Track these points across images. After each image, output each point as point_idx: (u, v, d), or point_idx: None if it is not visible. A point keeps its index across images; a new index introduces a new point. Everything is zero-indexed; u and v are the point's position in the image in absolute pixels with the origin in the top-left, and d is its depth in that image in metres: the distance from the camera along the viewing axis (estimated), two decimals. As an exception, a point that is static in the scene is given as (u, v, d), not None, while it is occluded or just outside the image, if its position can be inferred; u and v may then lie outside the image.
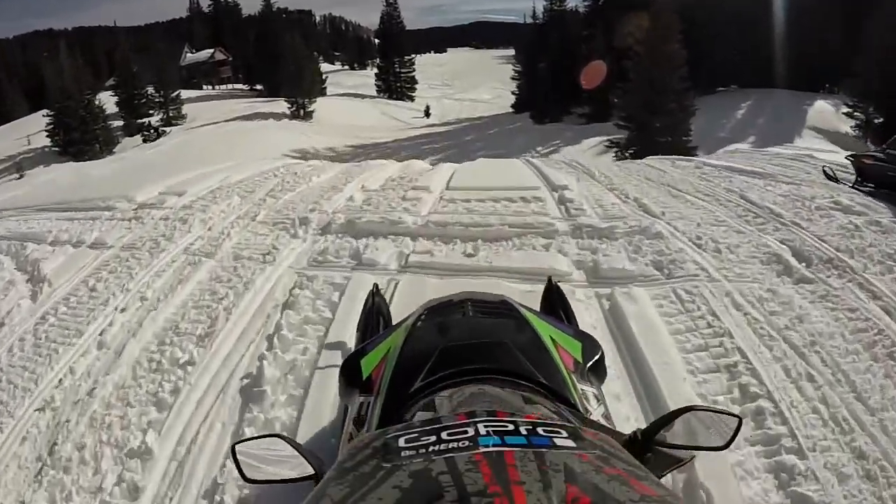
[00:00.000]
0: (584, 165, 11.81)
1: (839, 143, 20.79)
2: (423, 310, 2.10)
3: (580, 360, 1.95)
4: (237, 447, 1.50)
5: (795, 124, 23.12)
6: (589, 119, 28.70)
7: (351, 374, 1.97)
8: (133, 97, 36.65)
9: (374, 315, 3.03)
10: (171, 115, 35.80)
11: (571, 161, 11.90)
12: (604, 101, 28.47)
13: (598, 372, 2.05)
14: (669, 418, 1.43)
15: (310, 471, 1.45)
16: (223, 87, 50.34)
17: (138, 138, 34.07)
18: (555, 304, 2.99)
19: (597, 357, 2.05)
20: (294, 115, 35.12)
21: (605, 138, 23.45)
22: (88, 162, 28.87)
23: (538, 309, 2.73)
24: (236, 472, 1.49)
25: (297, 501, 0.85)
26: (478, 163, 13.93)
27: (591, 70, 27.32)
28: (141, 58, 39.36)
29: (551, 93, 29.99)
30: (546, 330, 1.96)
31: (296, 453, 1.49)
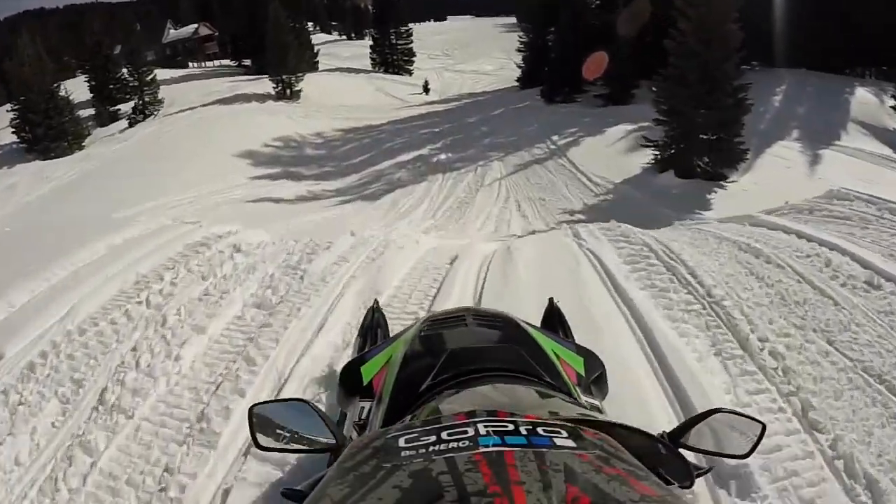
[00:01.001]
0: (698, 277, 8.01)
1: (891, 143, 17.21)
2: (423, 321, 1.99)
3: (583, 373, 1.93)
4: (255, 409, 1.41)
5: (839, 117, 18.84)
6: (607, 100, 24.10)
7: (351, 381, 1.92)
8: (107, 82, 32.48)
9: (374, 330, 2.87)
10: (145, 100, 31.35)
11: (653, 245, 7.41)
12: (625, 81, 23.93)
13: (600, 387, 2.05)
14: (696, 420, 1.37)
15: (330, 441, 1.35)
16: (210, 64, 45.76)
17: (113, 127, 30.04)
18: (555, 324, 2.78)
19: (599, 372, 2.05)
20: (280, 96, 30.58)
21: (631, 127, 19.00)
22: (54, 161, 25.29)
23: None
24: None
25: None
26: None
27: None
28: (126, 37, 35.27)
29: (563, 68, 25.43)
30: (548, 343, 1.89)
31: (318, 422, 1.37)
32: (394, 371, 1.67)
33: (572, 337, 2.66)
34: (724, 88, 14.73)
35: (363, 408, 1.79)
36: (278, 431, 1.38)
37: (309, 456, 1.66)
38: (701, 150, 14.93)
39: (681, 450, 1.26)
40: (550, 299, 2.98)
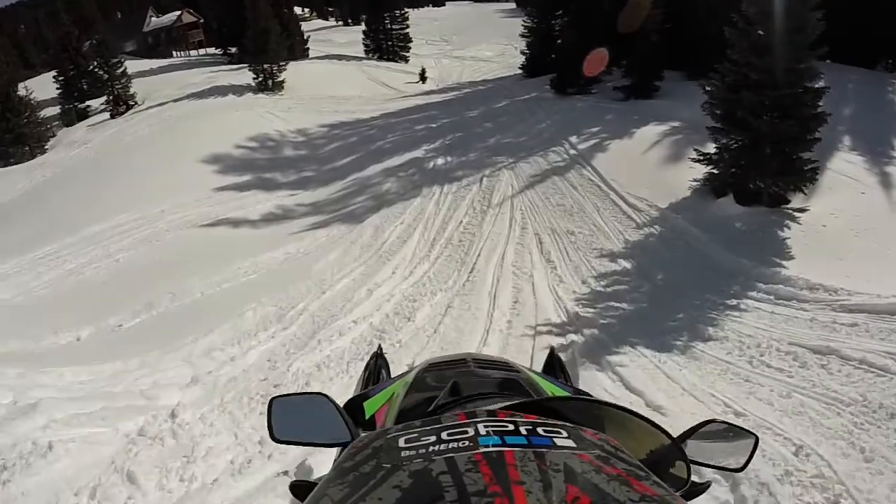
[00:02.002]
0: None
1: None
2: (425, 363, 1.93)
3: None
4: (275, 401, 1.43)
5: (889, 121, 14.71)
6: (629, 93, 19.77)
7: (353, 415, 1.60)
8: (77, 77, 28.39)
9: (376, 374, 2.68)
10: (117, 94, 27.09)
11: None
12: (650, 72, 19.54)
13: None
14: (690, 432, 1.32)
15: (345, 438, 1.32)
16: (195, 53, 41.36)
17: (80, 126, 25.95)
18: (556, 371, 2.63)
19: None
20: (260, 87, 26.24)
21: (664, 128, 14.80)
22: (9, 168, 22.17)
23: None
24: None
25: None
26: None
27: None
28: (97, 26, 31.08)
29: (577, 56, 21.17)
30: (549, 386, 1.79)
31: (335, 417, 1.36)
32: (396, 405, 1.56)
33: (572, 384, 2.38)
34: (801, 93, 10.62)
35: None
36: (295, 424, 1.37)
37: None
38: (767, 169, 10.85)
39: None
40: (552, 348, 2.88)
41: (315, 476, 1.18)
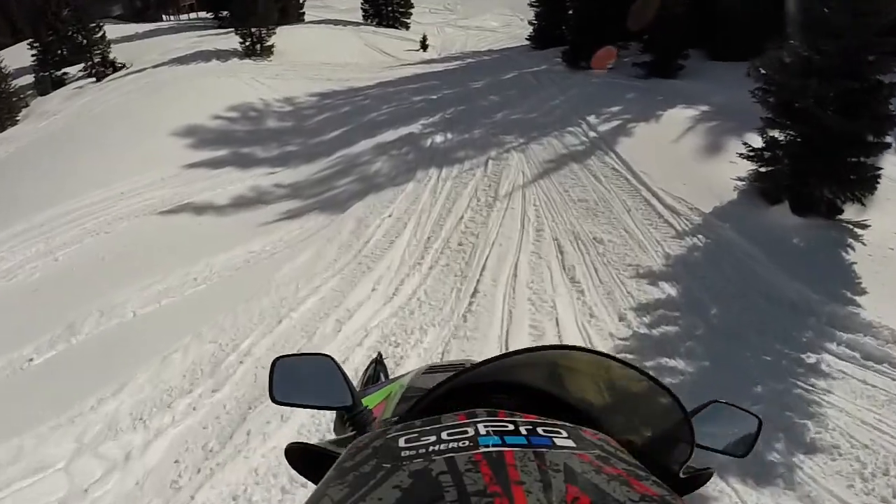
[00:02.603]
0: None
1: None
2: (425, 366, 1.73)
3: None
4: (278, 362, 1.34)
5: None
6: (650, 70, 17.14)
7: None
8: (55, 44, 25.67)
9: (375, 380, 2.48)
10: (94, 60, 24.37)
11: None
12: (674, 49, 16.89)
13: None
14: (693, 413, 1.14)
15: (347, 401, 1.24)
16: (186, 17, 38.27)
17: (55, 97, 23.30)
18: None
19: None
20: (248, 53, 23.51)
21: (693, 112, 12.35)
22: None
23: None
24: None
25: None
26: None
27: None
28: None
29: (592, 26, 18.52)
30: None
31: (338, 379, 1.27)
32: (394, 401, 1.41)
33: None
34: (874, 87, 8.24)
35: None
36: (297, 385, 1.30)
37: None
38: (831, 174, 8.54)
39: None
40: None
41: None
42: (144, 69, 22.75)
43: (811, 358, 5.74)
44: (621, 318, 6.44)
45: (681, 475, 0.99)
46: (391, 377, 2.08)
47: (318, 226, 9.97)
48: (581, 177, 10.33)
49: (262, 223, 10.51)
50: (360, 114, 17.16)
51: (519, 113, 14.73)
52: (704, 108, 12.90)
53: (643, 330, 6.23)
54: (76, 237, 10.69)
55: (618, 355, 1.07)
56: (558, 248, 8.01)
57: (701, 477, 1.05)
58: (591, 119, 13.12)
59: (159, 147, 15.03)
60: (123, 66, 24.57)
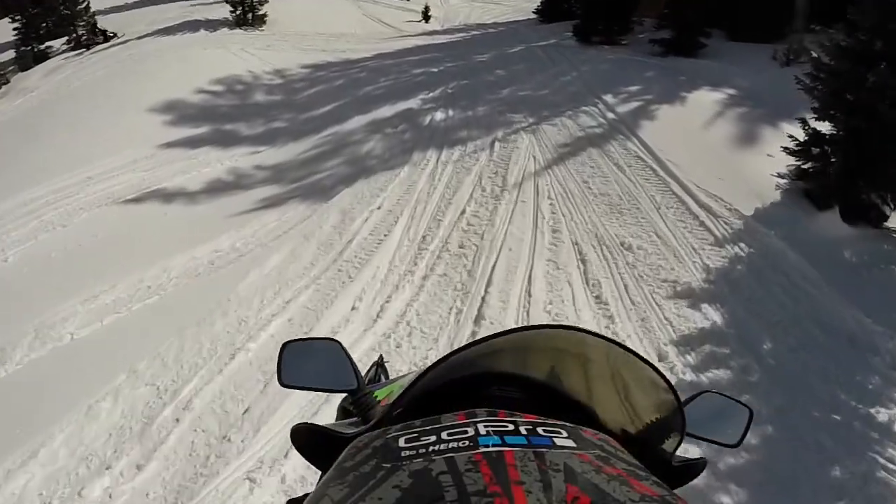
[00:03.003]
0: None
1: None
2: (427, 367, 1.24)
3: None
4: (287, 346, 1.33)
5: None
6: (667, 48, 15.48)
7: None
8: (44, 16, 23.80)
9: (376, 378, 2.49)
10: (78, 32, 22.57)
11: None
12: (694, 26, 15.19)
13: None
14: (687, 401, 1.15)
15: (353, 384, 1.25)
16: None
17: (36, 72, 21.43)
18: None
19: None
20: (239, 22, 21.70)
21: (720, 96, 10.92)
22: None
23: None
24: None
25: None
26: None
27: None
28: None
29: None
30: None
31: (344, 363, 1.28)
32: (395, 398, 1.16)
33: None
34: None
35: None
36: (304, 369, 1.30)
37: None
38: (884, 176, 7.16)
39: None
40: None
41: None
42: (129, 41, 20.95)
43: (881, 415, 4.40)
44: (660, 356, 5.01)
45: (674, 464, 0.94)
46: (392, 378, 1.86)
47: (298, 217, 8.50)
48: (601, 165, 8.82)
49: (235, 213, 9.04)
50: (355, 87, 15.54)
51: (528, 89, 13.11)
52: (731, 91, 11.52)
53: (689, 375, 4.80)
54: (31, 232, 9.17)
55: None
56: (579, 256, 6.55)
57: (695, 467, 0.99)
58: (609, 99, 11.53)
59: (135, 125, 13.45)
60: (115, 35, 22.78)
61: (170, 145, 12.70)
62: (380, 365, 2.61)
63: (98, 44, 22.20)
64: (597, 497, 0.58)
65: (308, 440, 0.95)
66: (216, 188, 10.48)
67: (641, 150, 9.16)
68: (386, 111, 13.00)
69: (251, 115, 14.54)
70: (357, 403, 1.22)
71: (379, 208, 8.22)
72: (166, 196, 10.02)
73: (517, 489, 0.58)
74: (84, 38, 22.51)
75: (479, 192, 8.38)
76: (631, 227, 7.08)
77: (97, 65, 19.09)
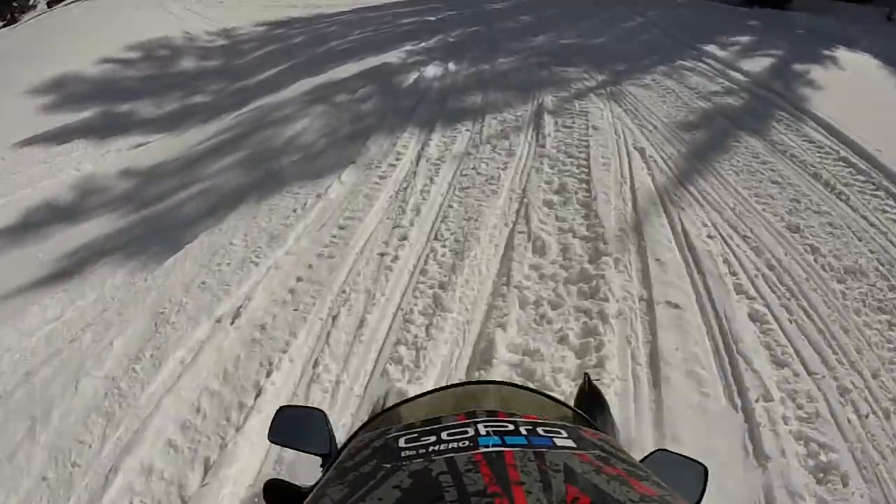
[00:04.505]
0: None
1: None
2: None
3: None
4: (282, 410, 1.33)
5: None
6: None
7: None
8: None
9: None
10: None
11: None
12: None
13: None
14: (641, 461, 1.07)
15: (325, 450, 1.22)
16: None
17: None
18: (589, 404, 1.75)
19: None
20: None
21: (867, 58, 6.44)
22: None
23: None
24: None
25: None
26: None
27: None
28: None
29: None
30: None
31: (323, 431, 1.24)
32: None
33: (612, 422, 1.72)
34: None
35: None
36: (291, 430, 1.28)
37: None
38: None
39: None
40: (586, 375, 1.89)
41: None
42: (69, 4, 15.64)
43: None
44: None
45: None
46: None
47: (90, 315, 3.29)
48: (792, 179, 3.68)
49: (10, 288, 3.86)
50: (316, 45, 10.27)
51: (572, 37, 7.88)
52: (866, 55, 6.96)
53: None
54: None
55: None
56: None
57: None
58: (715, 51, 6.79)
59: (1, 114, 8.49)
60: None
61: (31, 141, 7.74)
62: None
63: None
64: (597, 497, 0.54)
65: (279, 496, 0.91)
66: (37, 220, 5.44)
67: (835, 142, 4.28)
68: (346, 70, 7.72)
69: (165, 88, 9.34)
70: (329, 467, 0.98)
71: (238, 314, 2.89)
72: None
73: (517, 489, 0.54)
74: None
75: (530, 270, 3.05)
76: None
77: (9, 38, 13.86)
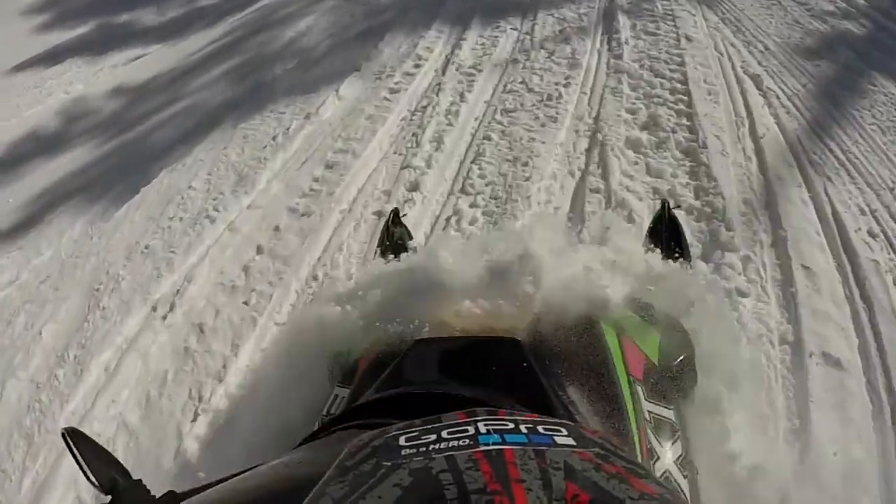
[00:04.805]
0: None
1: None
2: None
3: (655, 360, 1.10)
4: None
5: None
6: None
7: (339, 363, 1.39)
8: None
9: (393, 245, 1.94)
10: None
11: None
12: None
13: (681, 381, 1.14)
14: None
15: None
16: None
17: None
18: (663, 234, 1.68)
19: (682, 357, 1.16)
20: None
21: None
22: None
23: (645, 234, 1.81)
24: None
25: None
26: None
27: None
28: None
29: None
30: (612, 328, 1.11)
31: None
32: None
33: (688, 254, 1.56)
34: None
35: (336, 396, 1.23)
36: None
37: None
38: None
39: None
40: (664, 202, 1.76)
41: None
42: None
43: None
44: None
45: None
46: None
47: (43, 274, 2.57)
48: None
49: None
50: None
51: None
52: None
53: None
54: None
55: None
56: None
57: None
58: None
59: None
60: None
61: (21, 67, 7.03)
62: (396, 222, 1.95)
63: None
64: (596, 495, 0.54)
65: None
66: (17, 155, 4.90)
67: None
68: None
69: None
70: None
71: (173, 303, 2.09)
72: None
73: (517, 487, 0.53)
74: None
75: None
76: None
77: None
